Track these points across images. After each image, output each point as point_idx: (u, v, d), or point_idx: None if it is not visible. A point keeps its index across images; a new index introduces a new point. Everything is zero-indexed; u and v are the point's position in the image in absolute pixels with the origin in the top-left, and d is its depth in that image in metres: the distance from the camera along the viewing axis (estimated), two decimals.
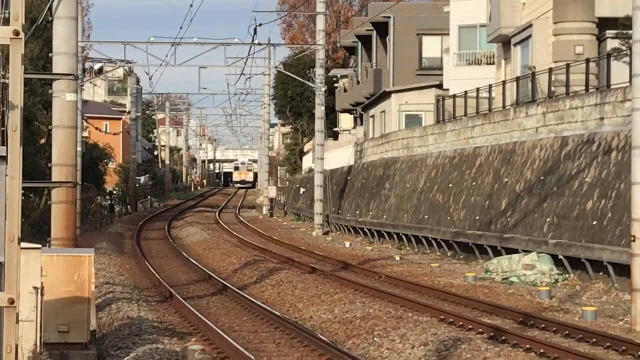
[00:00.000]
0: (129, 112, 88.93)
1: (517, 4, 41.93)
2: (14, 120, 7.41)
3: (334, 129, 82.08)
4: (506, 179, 33.78)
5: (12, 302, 7.43)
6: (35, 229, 42.09)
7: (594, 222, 26.46)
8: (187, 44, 50.60)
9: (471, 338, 17.64)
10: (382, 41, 64.77)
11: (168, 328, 20.19)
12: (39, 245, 12.83)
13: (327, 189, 53.68)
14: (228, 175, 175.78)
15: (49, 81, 26.34)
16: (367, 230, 46.55)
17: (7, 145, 7.44)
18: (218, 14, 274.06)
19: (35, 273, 12.41)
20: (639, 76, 19.33)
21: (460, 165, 38.72)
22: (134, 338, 18.07)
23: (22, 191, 7.67)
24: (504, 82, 40.19)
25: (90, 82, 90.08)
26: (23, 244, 8.30)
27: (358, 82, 69.77)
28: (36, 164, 45.16)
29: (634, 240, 19.22)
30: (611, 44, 35.05)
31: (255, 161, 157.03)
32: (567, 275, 26.93)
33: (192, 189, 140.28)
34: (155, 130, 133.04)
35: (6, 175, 7.44)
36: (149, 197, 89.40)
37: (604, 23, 36.25)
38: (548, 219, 29.42)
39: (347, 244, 43.29)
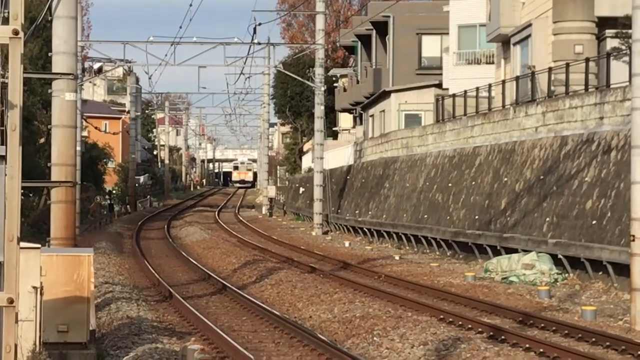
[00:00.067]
0: (128, 112, 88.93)
1: (517, 4, 41.93)
2: (13, 119, 7.41)
3: (334, 129, 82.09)
4: (506, 179, 33.78)
5: (11, 301, 7.43)
6: (35, 228, 42.08)
7: (594, 222, 26.46)
8: (187, 44, 50.60)
9: (471, 337, 17.64)
10: (382, 41, 64.77)
11: (167, 328, 20.18)
12: (39, 245, 12.82)
13: (326, 189, 53.68)
14: (227, 174, 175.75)
15: (49, 80, 26.33)
16: (366, 230, 46.55)
17: (6, 145, 7.43)
18: (217, 14, 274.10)
19: (34, 273, 12.40)
20: (638, 75, 19.33)
21: (459, 165, 38.72)
22: (134, 338, 18.06)
23: (22, 191, 7.67)
24: (503, 82, 40.18)
25: (90, 82, 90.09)
26: (22, 244, 8.29)
27: (357, 82, 69.77)
28: (35, 163, 45.16)
29: (633, 240, 19.22)
30: (611, 43, 35.05)
31: (254, 161, 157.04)
32: (566, 275, 26.93)
33: (192, 189, 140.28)
34: (154, 130, 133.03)
35: (5, 174, 7.44)
36: (148, 196, 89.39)
37: (604, 22, 36.25)
38: (547, 219, 29.42)
39: (347, 244, 43.29)
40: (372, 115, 62.92)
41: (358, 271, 31.29)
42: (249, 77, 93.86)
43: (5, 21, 7.66)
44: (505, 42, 43.47)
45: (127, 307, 22.17)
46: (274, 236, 48.45)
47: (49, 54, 21.31)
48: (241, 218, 67.30)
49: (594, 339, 17.59)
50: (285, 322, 20.10)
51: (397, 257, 35.86)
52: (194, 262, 34.60)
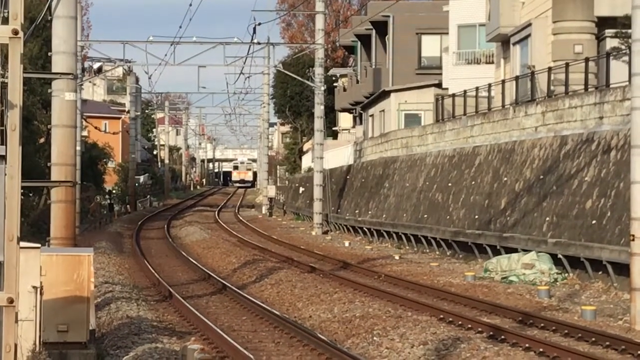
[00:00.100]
0: (128, 112, 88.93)
1: (517, 3, 41.93)
2: (13, 119, 7.41)
3: (334, 128, 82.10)
4: (505, 178, 33.78)
5: (11, 301, 7.43)
6: (35, 228, 42.07)
7: (594, 221, 26.46)
8: (187, 44, 50.59)
9: (470, 337, 17.64)
10: (382, 40, 64.79)
11: (167, 327, 20.18)
12: (38, 245, 12.82)
13: (326, 188, 53.68)
14: (227, 174, 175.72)
15: (48, 80, 26.33)
16: (366, 230, 46.55)
17: (6, 145, 7.44)
18: (217, 14, 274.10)
19: (34, 272, 12.40)
20: (638, 75, 19.33)
21: (459, 165, 38.72)
22: (133, 337, 18.06)
23: (22, 190, 7.67)
24: (503, 81, 40.18)
25: (90, 82, 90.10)
26: (22, 244, 8.29)
27: (357, 82, 69.78)
28: (35, 163, 45.16)
29: (633, 240, 19.22)
30: (610, 43, 35.05)
31: (254, 160, 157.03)
32: (566, 275, 26.93)
33: (192, 189, 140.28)
34: (154, 130, 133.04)
35: (5, 174, 7.44)
36: (148, 196, 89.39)
37: (603, 22, 36.25)
38: (547, 218, 29.42)
39: (347, 243, 43.29)
40: (371, 115, 62.93)
41: (358, 271, 31.29)
42: (248, 77, 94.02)
43: (5, 21, 7.66)
44: (504, 41, 43.47)
45: (127, 307, 22.17)
46: (273, 236, 48.45)
47: (49, 54, 21.31)
48: (241, 218, 67.30)
49: (593, 339, 17.59)
50: (285, 322, 20.10)
51: (396, 257, 35.86)
52: (194, 261, 34.60)
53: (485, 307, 21.88)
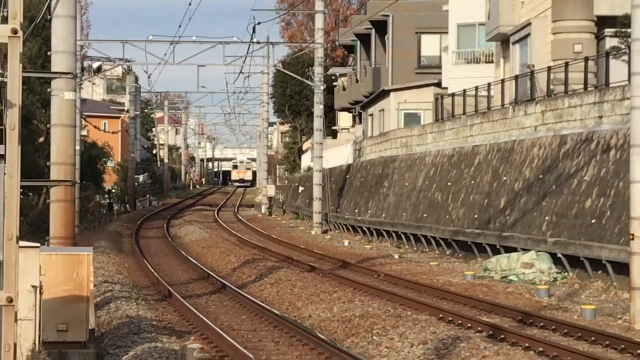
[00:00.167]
0: (127, 111, 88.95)
1: (516, 3, 41.93)
2: (12, 118, 7.41)
3: (333, 128, 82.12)
4: (505, 178, 33.78)
5: (10, 300, 7.43)
6: (34, 227, 42.07)
7: (593, 221, 26.47)
8: (186, 43, 50.60)
9: (470, 336, 17.64)
10: (381, 40, 64.80)
11: (167, 327, 20.18)
12: (38, 244, 12.81)
13: (325, 188, 53.69)
14: (227, 173, 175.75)
15: (48, 80, 26.34)
16: (365, 229, 46.55)
17: (5, 144, 7.44)
18: (217, 13, 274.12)
19: (33, 272, 12.40)
20: (637, 74, 19.32)
21: (459, 164, 38.72)
22: (133, 337, 18.06)
23: (21, 190, 7.67)
24: (502, 81, 40.19)
25: (89, 81, 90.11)
26: (21, 243, 8.29)
27: (357, 81, 69.78)
28: (35, 162, 45.16)
29: (632, 239, 19.22)
30: (610, 42, 35.06)
31: (254, 160, 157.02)
32: (565, 274, 26.93)
33: (191, 188, 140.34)
34: (154, 129, 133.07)
35: (4, 173, 7.44)
36: (147, 195, 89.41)
37: (603, 21, 36.26)
38: (547, 218, 29.42)
39: (346, 243, 43.29)
40: (371, 114, 62.93)
41: (357, 270, 31.29)
42: (248, 76, 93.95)
43: (4, 20, 7.65)
44: (504, 41, 43.47)
45: (127, 306, 22.17)
46: (273, 235, 48.46)
47: (48, 53, 21.30)
48: (240, 217, 67.31)
49: (593, 338, 17.60)
50: (284, 321, 20.10)
51: (396, 256, 35.86)
52: (194, 261, 34.60)
53: (484, 307, 21.89)
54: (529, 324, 19.52)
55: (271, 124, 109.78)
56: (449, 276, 28.60)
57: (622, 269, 22.95)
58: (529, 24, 39.30)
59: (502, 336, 17.81)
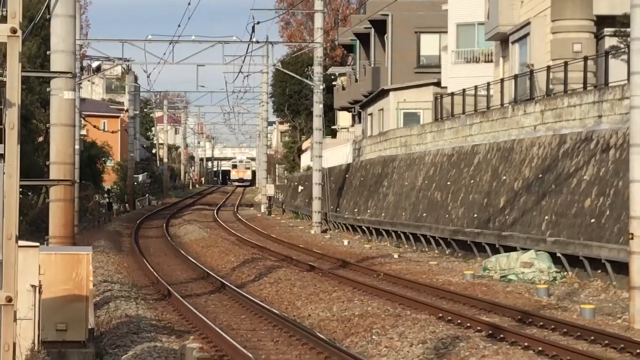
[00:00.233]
0: (127, 110, 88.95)
1: (515, 2, 41.94)
2: (12, 118, 7.41)
3: (332, 127, 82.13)
4: (504, 177, 33.78)
5: (9, 300, 7.43)
6: (33, 227, 42.04)
7: (592, 220, 26.47)
8: (185, 42, 50.58)
9: (469, 336, 17.64)
10: (381, 39, 64.81)
11: (166, 326, 20.18)
12: (37, 244, 12.81)
13: (325, 187, 53.69)
14: (226, 173, 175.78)
15: (47, 79, 26.34)
16: (365, 228, 46.55)
17: (4, 143, 7.44)
18: (216, 12, 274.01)
19: (33, 271, 12.40)
20: (637, 74, 19.32)
21: (458, 163, 38.72)
22: (132, 336, 18.06)
23: (20, 189, 7.67)
24: (502, 80, 40.19)
25: (88, 80, 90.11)
26: (21, 242, 8.28)
27: (356, 80, 69.79)
28: (34, 162, 45.15)
29: (632, 238, 19.22)
30: (609, 41, 35.06)
31: (253, 159, 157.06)
32: (565, 273, 26.93)
33: (190, 187, 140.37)
34: (153, 129, 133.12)
35: (4, 173, 7.44)
36: (147, 195, 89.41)
37: (602, 21, 36.26)
38: (546, 217, 29.43)
39: (346, 242, 43.29)
40: (370, 114, 62.94)
41: (357, 270, 31.29)
42: (247, 76, 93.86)
43: (3, 19, 7.65)
44: (503, 40, 43.48)
45: (126, 306, 22.16)
46: (272, 234, 48.46)
47: (48, 53, 21.30)
48: (240, 216, 67.30)
49: (592, 338, 17.60)
50: (284, 321, 20.10)
51: (395, 256, 35.86)
52: (193, 260, 34.60)
53: (484, 306, 21.89)
54: (528, 324, 19.52)
55: (270, 124, 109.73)
56: (449, 275, 28.60)
57: (622, 268, 22.95)
58: (528, 24, 39.31)
59: (502, 335, 17.81)
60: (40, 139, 49.12)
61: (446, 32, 52.58)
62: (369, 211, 48.43)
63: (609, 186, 26.38)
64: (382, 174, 48.93)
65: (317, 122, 52.53)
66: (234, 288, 26.07)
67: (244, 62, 58.22)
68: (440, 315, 20.47)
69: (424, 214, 40.20)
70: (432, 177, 41.22)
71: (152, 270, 30.85)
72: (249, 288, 27.27)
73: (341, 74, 76.82)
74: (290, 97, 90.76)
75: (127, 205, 76.50)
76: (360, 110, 68.24)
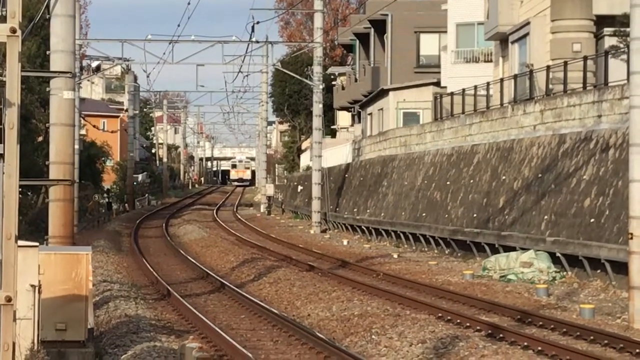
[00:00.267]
0: (126, 110, 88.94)
1: (515, 2, 41.94)
2: (11, 118, 7.41)
3: (332, 127, 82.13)
4: (504, 177, 33.78)
5: (9, 300, 7.43)
6: (33, 227, 42.04)
7: (592, 220, 26.47)
8: (185, 42, 50.58)
9: (469, 336, 17.64)
10: (380, 39, 64.81)
11: (166, 326, 20.18)
12: (37, 243, 12.82)
13: (324, 187, 53.69)
14: (226, 173, 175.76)
15: (47, 79, 26.34)
16: (364, 228, 46.56)
17: (4, 143, 7.44)
18: (216, 12, 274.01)
19: (32, 271, 12.40)
20: (636, 74, 19.33)
21: (458, 163, 38.72)
22: (132, 336, 18.06)
23: (20, 189, 7.67)
24: (501, 80, 40.19)
25: (88, 80, 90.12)
26: (20, 242, 8.29)
27: (356, 80, 69.80)
28: (33, 161, 45.14)
29: (631, 238, 19.23)
30: (609, 41, 35.06)
31: (253, 159, 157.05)
32: (564, 273, 26.94)
33: (190, 187, 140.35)
34: (153, 128, 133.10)
35: (3, 173, 7.44)
36: (146, 195, 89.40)
37: (602, 21, 36.27)
38: (546, 217, 29.43)
39: (345, 242, 43.29)
40: (370, 114, 62.94)
41: (356, 269, 31.29)
42: (247, 76, 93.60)
43: (3, 19, 7.65)
44: (503, 40, 43.48)
45: (126, 306, 22.16)
46: (272, 234, 48.47)
47: (47, 52, 21.30)
48: (239, 216, 67.31)
49: (592, 337, 17.60)
50: (283, 321, 20.10)
51: (395, 256, 35.87)
52: (192, 260, 34.60)
53: (483, 306, 21.89)
54: (528, 323, 19.53)
55: (270, 123, 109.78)
56: (448, 275, 28.60)
57: (621, 268, 22.96)
58: (527, 23, 39.31)
59: (501, 335, 17.82)
60: (40, 138, 49.11)
61: (446, 31, 52.59)
62: (368, 211, 48.43)
63: (608, 186, 26.39)
64: (382, 174, 48.93)
65: (317, 121, 52.53)
66: (234, 288, 26.07)
67: (244, 62, 58.31)
68: (440, 315, 20.48)
69: (424, 214, 40.20)
70: (431, 177, 41.22)
71: (151, 270, 30.85)
72: (248, 288, 27.27)
73: (341, 74, 76.82)
74: (290, 97, 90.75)
75: (126, 205, 76.48)
76: (359, 110, 68.24)
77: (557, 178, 29.72)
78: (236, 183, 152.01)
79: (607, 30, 35.60)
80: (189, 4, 43.88)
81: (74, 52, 21.28)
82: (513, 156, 33.69)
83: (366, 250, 39.38)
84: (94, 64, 63.54)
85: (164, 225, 55.08)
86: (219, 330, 18.48)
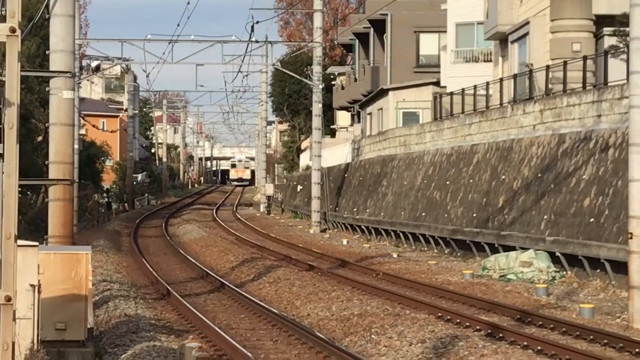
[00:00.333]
0: (126, 110, 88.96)
1: (515, 2, 41.94)
2: (11, 117, 7.41)
3: (332, 127, 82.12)
4: (503, 177, 33.78)
5: (9, 299, 7.43)
6: (33, 226, 42.04)
7: (591, 220, 26.47)
8: (185, 42, 50.56)
9: (468, 335, 17.64)
10: (380, 38, 64.79)
11: (165, 326, 20.18)
12: (36, 243, 12.82)
13: (324, 187, 53.69)
14: (225, 172, 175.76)
15: (46, 78, 26.32)
16: (364, 228, 46.55)
17: (3, 143, 7.44)
18: (215, 12, 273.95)
19: (32, 271, 12.40)
20: (636, 73, 19.33)
21: (457, 163, 38.72)
22: (132, 335, 18.06)
23: (19, 189, 7.67)
24: (501, 80, 40.19)
25: (88, 80, 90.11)
26: (20, 242, 8.29)
27: (355, 80, 69.78)
28: (33, 161, 45.13)
29: (631, 238, 19.23)
30: (608, 41, 35.06)
31: (252, 159, 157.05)
32: (564, 273, 26.94)
33: (190, 187, 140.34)
34: (152, 128, 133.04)
35: (3, 172, 7.44)
36: (146, 194, 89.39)
37: (601, 20, 36.26)
38: (545, 216, 29.43)
39: (345, 242, 43.29)
40: (370, 113, 62.93)
41: (356, 269, 31.29)
42: (246, 75, 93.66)
43: (3, 19, 7.65)
44: (503, 40, 43.47)
45: (125, 305, 22.16)
46: (271, 234, 48.47)
47: (47, 52, 21.29)
48: (239, 216, 67.30)
49: (591, 337, 17.60)
50: (283, 320, 20.10)
51: (395, 255, 35.87)
52: (192, 260, 34.60)
53: (483, 305, 21.89)
54: (528, 323, 19.53)
55: (270, 123, 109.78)
56: (448, 275, 28.61)
57: (621, 267, 22.96)
58: (527, 23, 39.31)
59: (501, 335, 17.82)
60: (40, 138, 49.10)
61: (445, 31, 52.58)
62: (368, 211, 48.43)
63: (608, 185, 26.39)
64: (381, 174, 48.93)
65: (316, 121, 52.52)
66: (233, 287, 26.07)
67: (243, 62, 58.35)
68: (440, 314, 20.48)
69: (423, 214, 40.20)
70: (431, 176, 41.23)
71: (151, 269, 30.85)
72: (248, 287, 27.27)
73: (340, 74, 76.80)
74: (290, 97, 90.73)
75: (126, 204, 76.48)
76: (359, 110, 68.24)
77: (556, 178, 29.72)
78: (236, 183, 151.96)
79: (607, 29, 35.60)
80: (188, 3, 43.88)
81: (74, 51, 21.28)
82: (513, 156, 33.69)
83: (366, 249, 39.38)
84: (94, 63, 63.56)
85: (163, 224, 55.08)
86: (219, 330, 18.48)
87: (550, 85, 34.51)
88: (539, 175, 31.00)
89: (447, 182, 38.81)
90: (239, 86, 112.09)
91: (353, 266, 31.98)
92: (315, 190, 52.39)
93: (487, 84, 41.07)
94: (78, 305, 15.02)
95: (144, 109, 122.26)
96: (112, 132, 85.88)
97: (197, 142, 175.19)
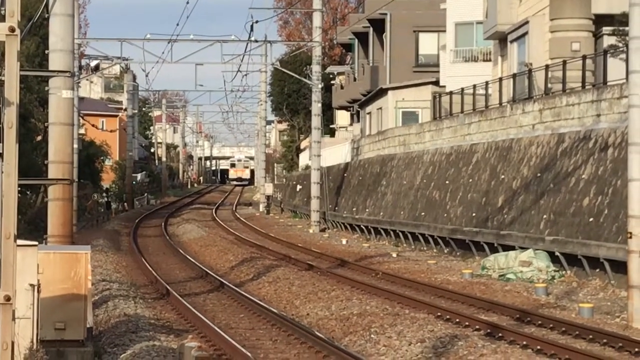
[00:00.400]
0: (125, 109, 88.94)
1: (514, 1, 41.94)
2: (10, 117, 7.41)
3: (331, 126, 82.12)
4: (503, 176, 33.78)
5: (8, 299, 7.43)
6: (32, 226, 42.02)
7: (591, 219, 26.47)
8: (184, 41, 50.58)
9: (468, 335, 17.64)
10: (379, 38, 64.79)
11: (165, 325, 20.17)
12: (36, 243, 12.81)
13: (323, 186, 53.69)
14: (224, 172, 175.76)
15: (46, 78, 26.28)
16: (363, 227, 46.55)
17: (3, 143, 7.43)
18: (215, 12, 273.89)
19: (31, 270, 12.39)
20: (635, 73, 19.33)
21: (456, 162, 38.72)
22: (131, 335, 18.05)
23: (18, 188, 7.67)
24: (500, 79, 40.19)
25: (87, 79, 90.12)
26: (19, 242, 8.29)
27: (355, 79, 69.78)
28: (32, 161, 45.12)
29: (630, 237, 19.23)
30: (608, 40, 35.06)
31: (252, 158, 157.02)
32: (563, 272, 26.94)
33: (189, 186, 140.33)
34: (151, 128, 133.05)
35: (2, 172, 7.44)
36: (145, 194, 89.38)
37: (601, 20, 36.26)
38: (545, 216, 29.43)
39: (344, 241, 43.29)
40: (369, 113, 62.93)
41: (355, 269, 31.29)
42: (246, 75, 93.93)
43: (2, 18, 7.64)
44: (502, 39, 43.47)
45: (125, 305, 22.16)
46: (271, 234, 48.46)
47: (46, 52, 21.28)
48: (238, 215, 67.29)
49: (591, 337, 17.60)
50: (282, 320, 20.10)
51: (394, 255, 35.86)
52: (192, 259, 34.60)
53: (482, 305, 21.89)
54: (527, 322, 19.53)
55: (269, 123, 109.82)
56: (447, 274, 28.61)
57: (620, 267, 22.97)
58: (526, 23, 39.31)
59: (500, 334, 17.82)
60: (39, 137, 49.08)
61: (445, 31, 52.58)
62: (367, 210, 48.43)
63: (607, 185, 26.39)
64: (381, 173, 48.93)
65: (316, 121, 52.52)
66: (233, 287, 26.07)
67: (243, 61, 58.40)
68: (439, 314, 20.48)
69: (423, 213, 40.20)
70: (430, 176, 41.22)
71: (150, 269, 30.85)
72: (247, 287, 27.26)
73: (340, 73, 76.81)
74: (289, 96, 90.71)
75: (125, 204, 76.47)
76: (358, 109, 68.23)
77: (556, 177, 29.73)
78: (235, 182, 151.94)
79: (606, 29, 35.60)
80: (187, 3, 43.89)
81: (73, 51, 21.27)
82: (512, 155, 33.69)
83: (365, 249, 39.38)
84: (93, 63, 63.56)
85: (163, 224, 55.07)
86: (218, 330, 18.48)
87: (549, 85, 34.51)
88: (538, 174, 31.00)
89: (447, 182, 38.81)
90: (238, 86, 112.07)
91: (352, 266, 31.97)
92: (315, 190, 52.39)
93: (487, 83, 41.07)
94: (77, 305, 15.01)
95: (144, 109, 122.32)
96: (111, 131, 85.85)
97: (197, 141, 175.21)
